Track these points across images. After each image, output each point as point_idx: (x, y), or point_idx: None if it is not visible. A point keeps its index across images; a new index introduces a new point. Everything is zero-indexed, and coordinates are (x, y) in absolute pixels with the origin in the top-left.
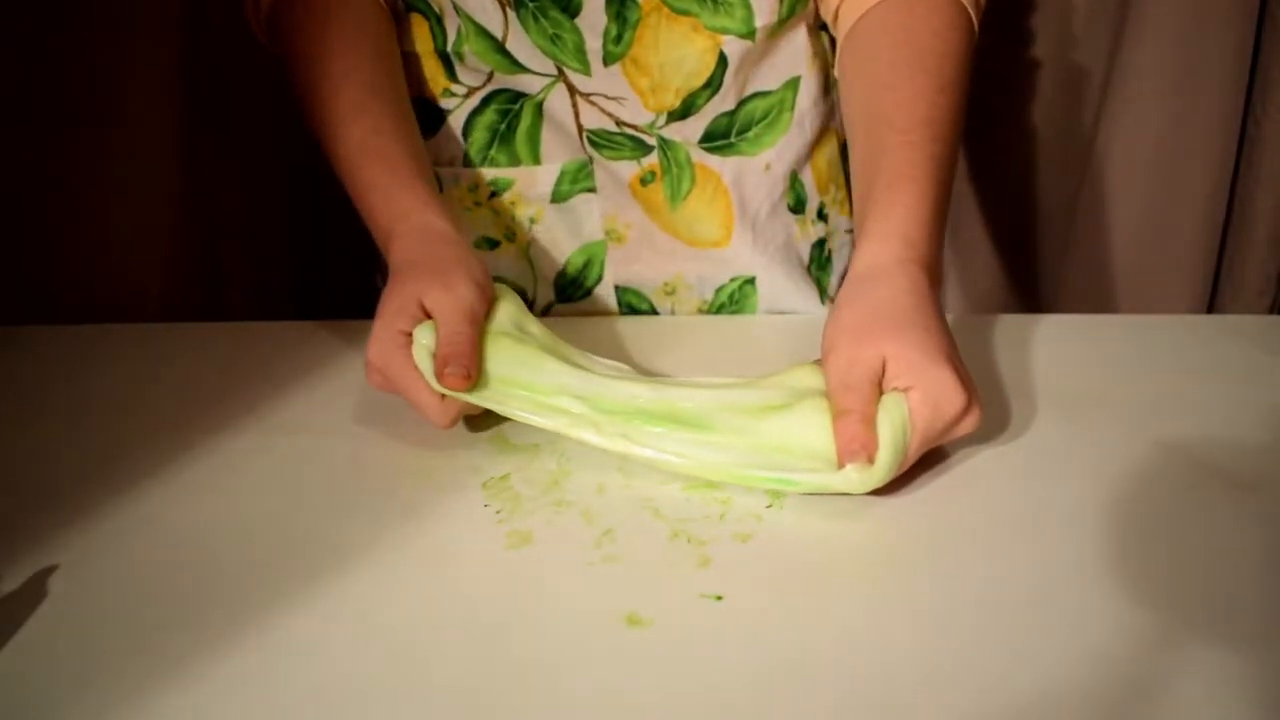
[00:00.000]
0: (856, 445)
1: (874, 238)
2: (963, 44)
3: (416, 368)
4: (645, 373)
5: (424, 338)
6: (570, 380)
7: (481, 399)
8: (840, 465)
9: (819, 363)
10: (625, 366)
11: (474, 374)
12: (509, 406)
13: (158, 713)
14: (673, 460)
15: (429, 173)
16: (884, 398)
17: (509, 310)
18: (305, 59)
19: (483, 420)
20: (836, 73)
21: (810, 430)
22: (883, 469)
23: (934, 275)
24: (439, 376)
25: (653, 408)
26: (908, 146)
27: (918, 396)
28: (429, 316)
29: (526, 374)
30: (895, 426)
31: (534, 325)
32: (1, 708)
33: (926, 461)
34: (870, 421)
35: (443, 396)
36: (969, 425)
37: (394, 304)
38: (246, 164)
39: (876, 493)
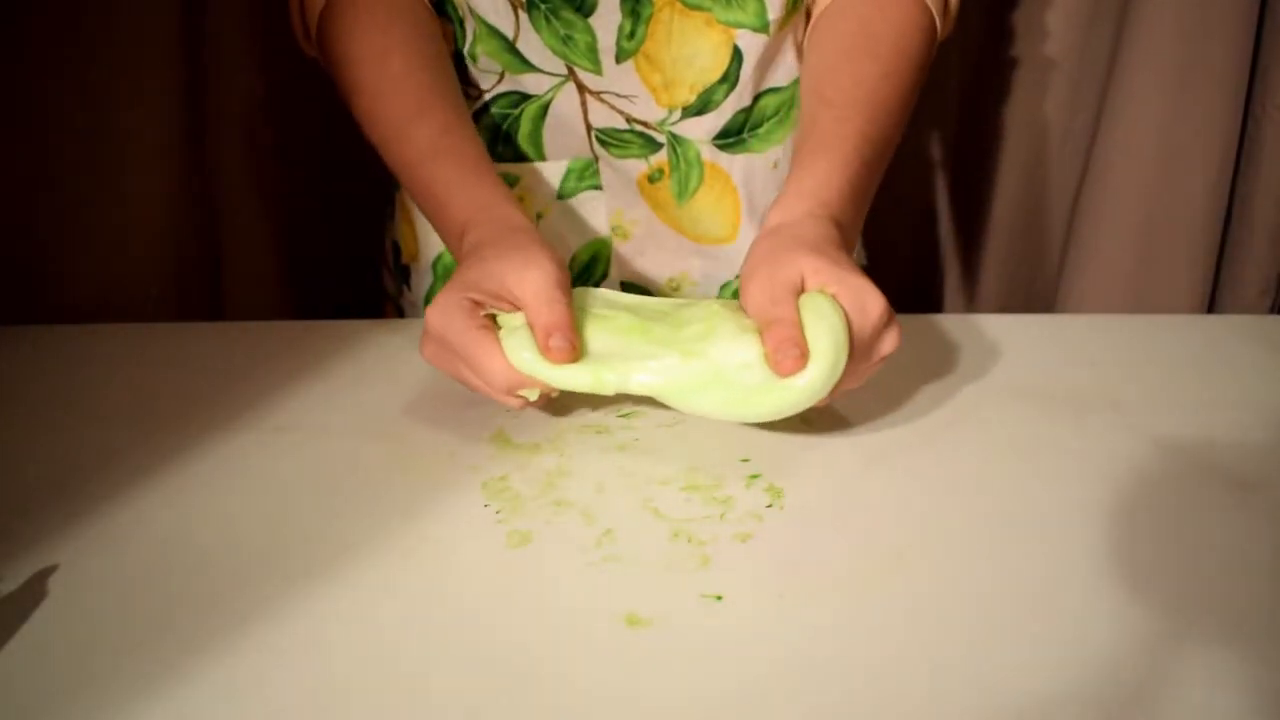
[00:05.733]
0: (788, 345)
1: (789, 195)
2: (917, 39)
3: (482, 330)
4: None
5: (512, 321)
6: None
7: (571, 375)
8: (776, 369)
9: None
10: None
11: (577, 347)
12: (596, 379)
13: (158, 712)
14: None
15: (496, 172)
16: (808, 298)
17: (591, 295)
18: (361, 62)
19: (484, 419)
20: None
21: (734, 343)
22: (826, 364)
23: (846, 234)
24: (544, 349)
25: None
26: (838, 121)
27: (843, 294)
28: (504, 301)
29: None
30: (828, 320)
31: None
32: (1, 708)
33: (926, 460)
34: (797, 326)
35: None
36: (892, 340)
37: (470, 275)
38: (247, 164)
39: (871, 491)
